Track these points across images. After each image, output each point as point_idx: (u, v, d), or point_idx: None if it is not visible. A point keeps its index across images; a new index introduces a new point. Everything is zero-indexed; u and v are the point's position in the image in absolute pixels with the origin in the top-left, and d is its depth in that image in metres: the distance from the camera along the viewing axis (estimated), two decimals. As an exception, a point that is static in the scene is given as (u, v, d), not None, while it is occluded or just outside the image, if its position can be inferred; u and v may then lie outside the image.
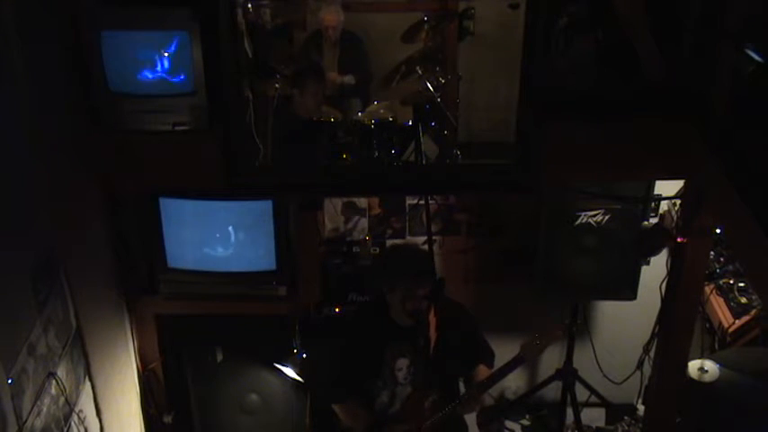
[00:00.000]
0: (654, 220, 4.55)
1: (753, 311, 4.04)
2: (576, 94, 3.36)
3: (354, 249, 4.89)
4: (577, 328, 4.67)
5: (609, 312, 4.92)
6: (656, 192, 4.31)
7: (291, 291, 3.98)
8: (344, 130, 4.33)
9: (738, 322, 4.04)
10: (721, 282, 4.25)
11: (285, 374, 4.20)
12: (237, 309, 4.02)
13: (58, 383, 2.88)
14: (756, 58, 2.72)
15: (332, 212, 4.89)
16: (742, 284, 4.18)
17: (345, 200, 4.83)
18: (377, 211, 4.91)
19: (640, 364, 4.77)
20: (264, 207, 3.77)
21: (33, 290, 2.76)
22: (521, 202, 4.59)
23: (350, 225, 4.91)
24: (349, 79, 5.41)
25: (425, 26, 5.17)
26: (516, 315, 4.78)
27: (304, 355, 4.17)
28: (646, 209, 4.41)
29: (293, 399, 4.32)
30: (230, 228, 3.87)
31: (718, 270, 4.29)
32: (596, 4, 3.58)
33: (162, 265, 3.89)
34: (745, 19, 2.91)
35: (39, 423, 2.70)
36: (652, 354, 4.51)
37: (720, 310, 4.17)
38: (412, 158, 4.42)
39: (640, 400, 5.06)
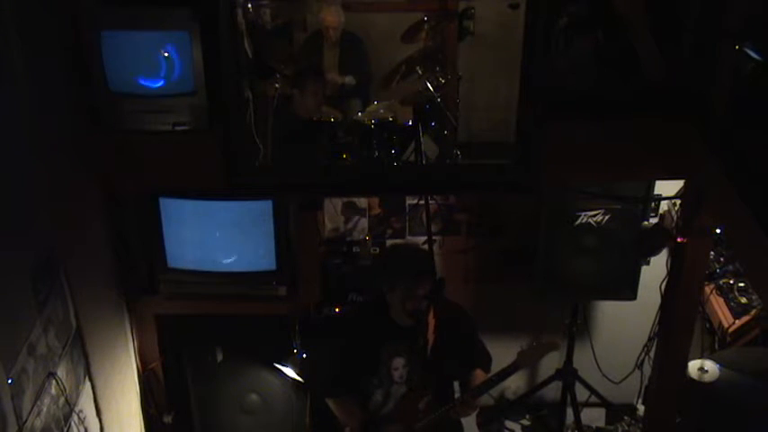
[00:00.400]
0: (654, 220, 4.55)
1: (753, 311, 4.04)
2: (576, 94, 3.36)
3: (354, 249, 4.89)
4: (577, 328, 4.67)
5: (609, 312, 4.92)
6: (656, 192, 4.32)
7: (291, 291, 3.99)
8: (344, 130, 4.33)
9: (738, 322, 4.04)
10: (721, 282, 4.25)
11: (285, 374, 4.20)
12: (237, 309, 4.02)
13: (58, 383, 2.88)
14: (756, 56, 2.72)
15: (332, 212, 4.88)
16: (742, 284, 4.18)
17: (345, 200, 4.83)
18: (377, 211, 4.91)
19: (640, 364, 4.78)
20: (264, 207, 3.77)
21: (33, 290, 2.76)
22: (521, 202, 4.59)
23: (350, 225, 4.91)
24: (349, 80, 5.40)
25: (425, 26, 5.17)
26: (516, 315, 4.78)
27: (304, 355, 4.17)
28: (646, 209, 4.41)
29: (293, 399, 4.32)
30: (230, 228, 3.87)
31: (718, 270, 4.29)
32: (596, 4, 3.58)
33: (162, 265, 3.89)
34: (744, 18, 2.91)
35: (39, 423, 2.70)
36: (652, 354, 4.52)
37: (720, 310, 4.17)
38: (412, 158, 4.41)
39: (640, 400, 5.06)
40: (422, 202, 4.75)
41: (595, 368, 4.89)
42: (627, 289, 4.32)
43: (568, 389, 4.79)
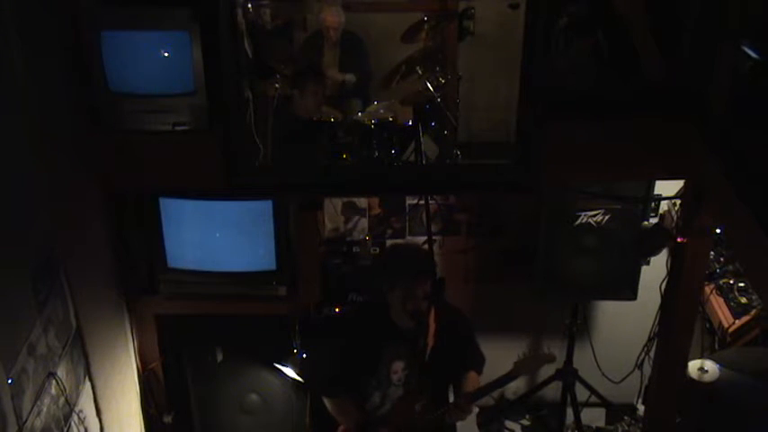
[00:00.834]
0: (654, 220, 4.55)
1: (753, 311, 4.05)
2: (576, 94, 3.36)
3: (354, 249, 4.89)
4: (577, 328, 4.67)
5: (609, 312, 4.92)
6: (656, 192, 4.32)
7: (291, 291, 3.99)
8: (344, 130, 4.32)
9: (738, 322, 4.04)
10: (721, 282, 4.26)
11: (285, 374, 4.20)
12: (237, 309, 4.03)
13: (58, 383, 2.88)
14: (754, 55, 2.72)
15: (332, 212, 4.88)
16: (742, 284, 4.18)
17: (345, 200, 4.82)
18: (377, 211, 4.91)
19: (640, 364, 4.78)
20: (264, 207, 3.77)
21: (33, 290, 2.76)
22: (521, 202, 4.60)
23: (350, 225, 4.91)
24: (350, 77, 5.40)
25: (425, 26, 5.16)
26: (516, 315, 4.78)
27: (304, 355, 4.17)
28: (646, 209, 4.41)
29: (293, 399, 4.32)
30: (230, 228, 3.87)
31: (718, 270, 4.29)
32: (596, 4, 3.58)
33: (162, 265, 3.89)
34: (743, 18, 2.91)
35: (39, 423, 2.70)
36: (652, 354, 4.52)
37: (720, 310, 4.17)
38: (412, 158, 4.41)
39: (640, 400, 5.06)
40: (422, 202, 4.75)
41: (595, 368, 4.89)
42: (627, 289, 4.32)
43: (568, 389, 4.79)
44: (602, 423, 5.14)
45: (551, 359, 3.50)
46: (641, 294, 4.33)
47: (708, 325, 4.33)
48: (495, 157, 4.47)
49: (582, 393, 4.85)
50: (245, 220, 3.86)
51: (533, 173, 3.46)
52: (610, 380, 4.91)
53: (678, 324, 3.85)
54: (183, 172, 3.48)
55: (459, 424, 3.62)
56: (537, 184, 3.55)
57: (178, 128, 3.35)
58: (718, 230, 3.87)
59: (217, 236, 3.88)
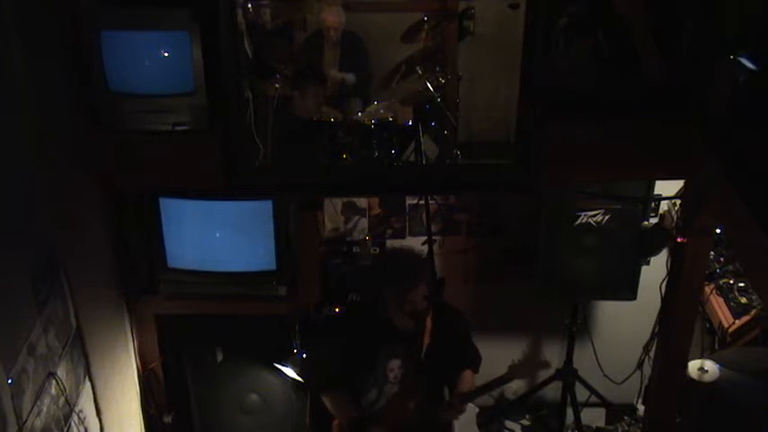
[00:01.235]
0: (654, 220, 4.55)
1: (753, 311, 4.05)
2: (576, 94, 3.36)
3: (354, 249, 4.89)
4: (577, 328, 4.67)
5: (609, 312, 4.92)
6: (656, 192, 4.32)
7: (291, 291, 3.99)
8: (344, 130, 4.32)
9: (738, 322, 4.04)
10: (721, 282, 4.26)
11: (285, 374, 4.20)
12: (237, 309, 4.02)
13: (58, 383, 2.88)
14: (751, 66, 2.72)
15: (332, 212, 4.88)
16: (742, 284, 4.18)
17: (345, 200, 4.82)
18: (377, 211, 4.91)
19: (640, 364, 4.78)
20: (264, 207, 3.77)
21: (33, 290, 2.76)
22: (521, 202, 4.59)
23: (350, 225, 4.91)
24: (350, 77, 5.40)
25: (425, 26, 5.16)
26: (516, 315, 4.78)
27: (304, 355, 4.17)
28: (646, 209, 4.41)
29: (293, 399, 4.32)
30: (230, 228, 3.87)
31: (718, 270, 4.29)
32: (596, 4, 3.58)
33: (162, 265, 3.89)
34: (740, 27, 2.91)
35: (39, 423, 2.70)
36: (652, 354, 4.52)
37: (720, 310, 4.17)
38: (412, 158, 4.41)
39: (640, 400, 5.06)
40: (422, 202, 4.75)
41: (595, 368, 4.90)
42: (627, 289, 4.32)
43: (568, 389, 4.79)
44: (602, 423, 5.14)
45: (546, 366, 3.54)
46: (641, 294, 4.33)
47: (708, 325, 4.33)
48: (495, 157, 4.47)
49: (582, 393, 4.86)
50: (245, 220, 3.86)
51: (533, 173, 3.46)
52: (610, 380, 4.91)
53: (678, 324, 3.85)
54: (183, 172, 3.48)
55: (457, 423, 3.63)
56: (537, 184, 3.55)
57: (178, 128, 3.34)
58: (718, 230, 3.87)
59: (217, 236, 3.88)
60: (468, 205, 4.85)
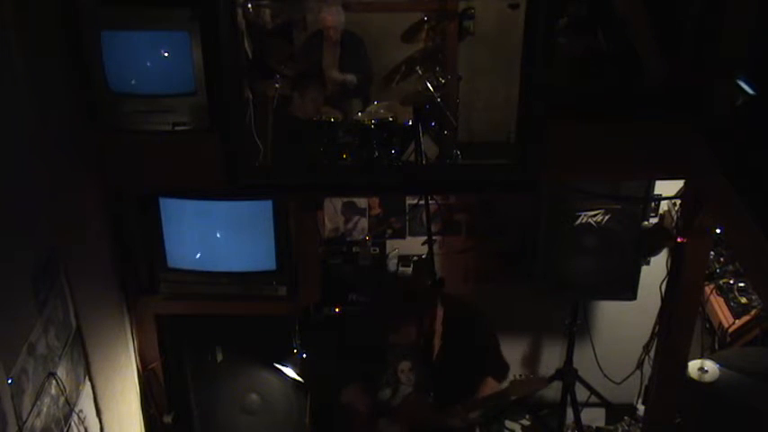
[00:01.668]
0: (654, 220, 4.55)
1: (753, 311, 4.05)
2: (576, 94, 3.36)
3: (354, 249, 4.89)
4: (577, 328, 4.67)
5: (609, 312, 4.93)
6: (656, 192, 4.31)
7: (291, 291, 3.98)
8: (344, 130, 4.32)
9: (738, 322, 4.04)
10: (721, 282, 4.26)
11: (285, 374, 4.20)
12: (237, 309, 4.02)
13: (58, 383, 2.88)
14: (748, 90, 2.73)
15: (332, 212, 4.89)
16: (742, 284, 4.18)
17: (345, 200, 4.83)
18: (377, 211, 4.91)
19: (640, 364, 4.78)
20: (264, 207, 3.77)
21: (33, 290, 2.76)
22: (521, 202, 4.59)
23: (350, 225, 4.91)
24: (350, 78, 5.40)
25: (425, 26, 5.17)
26: (516, 315, 4.78)
27: (304, 355, 4.17)
28: (646, 209, 4.41)
29: (293, 399, 4.32)
30: (230, 228, 3.87)
31: (718, 270, 4.29)
32: (596, 4, 3.58)
33: (162, 265, 3.89)
34: (739, 50, 2.92)
35: (39, 423, 2.70)
36: (652, 354, 4.52)
37: (720, 310, 4.17)
38: (412, 158, 4.41)
39: (640, 400, 5.06)
40: (422, 202, 4.75)
41: (595, 368, 4.90)
42: (627, 289, 4.32)
43: (568, 389, 4.79)
44: (602, 423, 5.14)
45: (542, 384, 3.53)
46: (641, 294, 4.33)
47: (708, 325, 4.33)
48: (495, 157, 4.47)
49: (582, 393, 4.86)
50: (245, 220, 3.86)
51: (533, 173, 3.46)
52: (610, 380, 4.91)
53: (678, 324, 3.85)
54: (183, 172, 3.48)
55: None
56: (537, 184, 3.55)
57: (178, 128, 3.34)
58: (718, 230, 3.87)
59: (217, 236, 3.88)
60: (468, 205, 4.85)
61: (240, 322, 4.14)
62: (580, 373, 4.81)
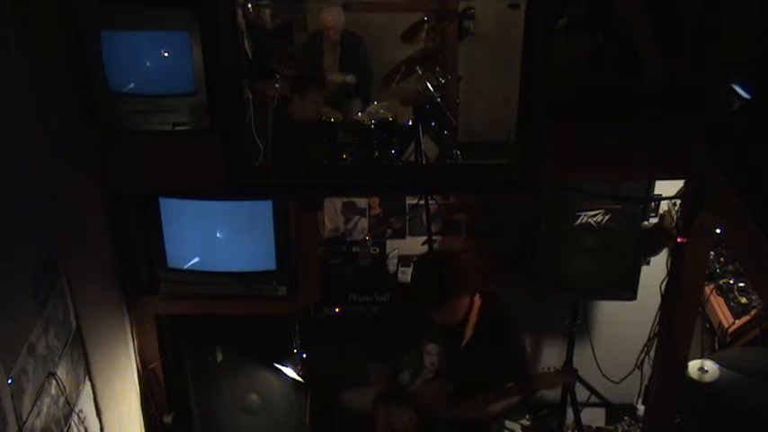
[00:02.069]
0: (654, 220, 4.55)
1: (753, 311, 4.05)
2: (576, 94, 3.36)
3: (354, 249, 4.89)
4: (577, 328, 4.67)
5: (609, 312, 4.92)
6: (656, 192, 4.31)
7: (291, 291, 3.98)
8: (344, 130, 4.33)
9: (738, 322, 4.04)
10: (721, 282, 4.26)
11: (285, 374, 4.20)
12: (237, 309, 4.02)
13: (58, 383, 2.88)
14: (744, 95, 2.73)
15: (332, 212, 4.89)
16: (742, 284, 4.18)
17: (345, 200, 4.83)
18: (377, 211, 4.91)
19: (640, 364, 4.78)
20: (264, 207, 3.77)
21: (33, 290, 2.76)
22: (521, 201, 4.59)
23: (350, 225, 4.91)
24: (350, 78, 5.41)
25: (425, 26, 5.17)
26: (514, 312, 4.77)
27: (304, 355, 4.17)
28: (646, 209, 4.40)
29: (293, 399, 4.32)
30: (230, 228, 3.87)
31: (718, 270, 4.29)
32: (596, 4, 3.58)
33: (162, 265, 3.89)
34: (737, 54, 2.92)
35: (39, 423, 2.70)
36: (652, 354, 4.51)
37: (720, 310, 4.17)
38: (412, 158, 4.41)
39: (640, 400, 5.06)
40: (422, 202, 4.75)
41: (595, 368, 4.89)
42: (627, 289, 4.31)
43: (568, 389, 4.79)
44: (602, 423, 5.14)
45: (571, 379, 3.50)
46: (641, 294, 4.32)
47: (708, 325, 4.33)
48: (495, 157, 4.48)
49: (582, 393, 4.85)
50: (245, 220, 3.86)
51: (533, 173, 3.46)
52: (610, 380, 4.91)
53: (678, 324, 3.85)
54: (183, 172, 3.48)
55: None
56: (537, 184, 3.55)
57: (178, 128, 3.35)
58: (718, 230, 3.87)
59: (217, 236, 3.88)
60: (468, 205, 4.85)
61: (240, 322, 4.14)
62: (580, 373, 4.80)
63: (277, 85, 4.88)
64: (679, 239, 3.73)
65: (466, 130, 5.35)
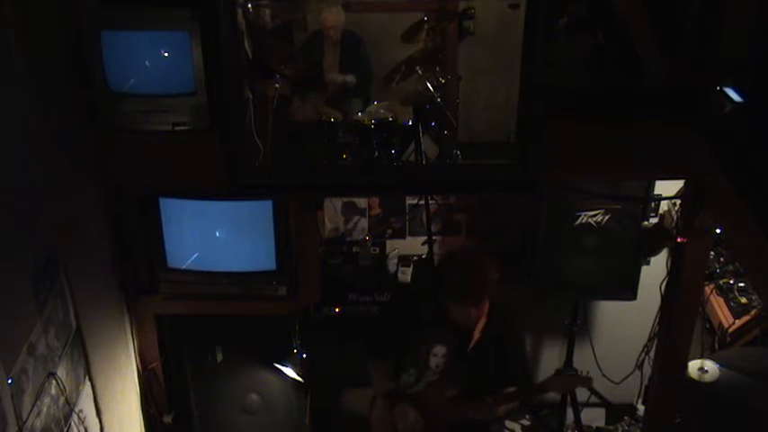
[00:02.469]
0: (654, 220, 4.55)
1: (753, 311, 4.05)
2: (576, 94, 3.36)
3: (354, 249, 4.89)
4: (577, 328, 4.67)
5: (609, 312, 4.92)
6: (656, 192, 4.31)
7: (291, 291, 3.98)
8: (344, 130, 4.33)
9: (738, 322, 4.04)
10: (721, 282, 4.26)
11: (285, 374, 4.20)
12: (237, 309, 4.02)
13: (58, 383, 2.88)
14: (736, 98, 2.73)
15: (332, 212, 4.89)
16: (742, 284, 4.18)
17: (345, 200, 4.83)
18: (377, 211, 4.91)
19: (640, 365, 4.78)
20: (264, 207, 3.77)
21: (33, 290, 2.76)
22: (521, 201, 4.59)
23: (350, 225, 4.91)
24: (350, 78, 5.41)
25: (425, 26, 5.17)
26: (516, 315, 4.77)
27: (304, 355, 4.17)
28: (646, 209, 4.41)
29: (293, 399, 4.32)
30: (230, 228, 3.87)
31: (718, 270, 4.29)
32: (596, 4, 3.58)
33: (162, 265, 3.89)
34: (738, 51, 2.92)
35: (39, 423, 2.70)
36: (652, 354, 4.52)
37: (720, 310, 4.17)
38: (412, 158, 4.41)
39: (640, 400, 5.06)
40: (422, 202, 4.75)
41: (595, 368, 4.89)
42: (627, 289, 4.31)
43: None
44: (602, 423, 5.14)
45: (588, 383, 3.51)
46: (641, 294, 4.32)
47: (708, 325, 4.33)
48: (495, 157, 4.48)
49: (582, 393, 4.85)
50: (245, 220, 3.86)
51: (533, 173, 3.46)
52: (610, 380, 4.91)
53: (678, 324, 3.85)
54: (183, 172, 3.48)
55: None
56: (537, 184, 3.55)
57: (178, 128, 3.35)
58: (718, 230, 3.87)
59: (217, 236, 3.88)
60: (468, 205, 4.85)
61: (240, 322, 4.14)
62: (580, 373, 4.80)
63: (277, 85, 4.88)
64: (679, 239, 3.73)
65: (466, 130, 5.35)
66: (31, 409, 2.64)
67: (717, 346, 4.23)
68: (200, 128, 3.35)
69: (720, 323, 4.12)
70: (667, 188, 4.28)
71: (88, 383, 3.26)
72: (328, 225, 4.89)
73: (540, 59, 3.27)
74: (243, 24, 4.83)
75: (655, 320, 4.40)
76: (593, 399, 4.93)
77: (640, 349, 4.70)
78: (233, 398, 4.33)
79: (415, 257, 4.94)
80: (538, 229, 4.25)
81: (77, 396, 3.12)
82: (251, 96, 4.72)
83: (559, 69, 3.41)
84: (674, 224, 4.30)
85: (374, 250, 4.90)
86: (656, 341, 4.37)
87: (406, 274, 4.87)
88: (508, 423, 5.15)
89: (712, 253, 4.22)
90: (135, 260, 3.87)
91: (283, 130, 4.84)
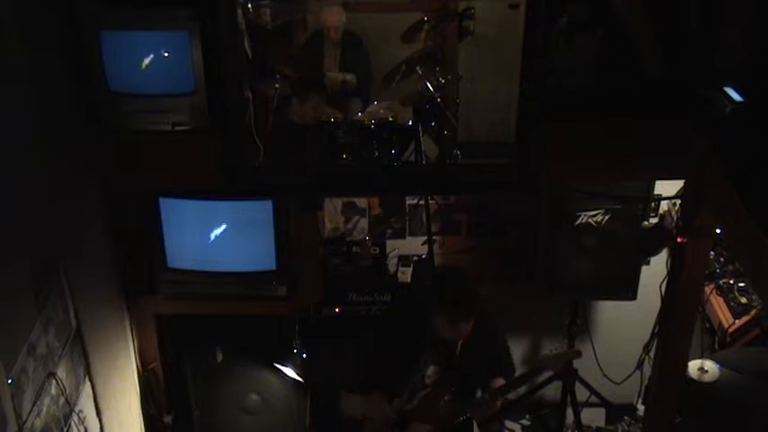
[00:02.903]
0: (654, 220, 4.55)
1: (753, 311, 4.05)
2: (576, 93, 3.36)
3: (354, 249, 4.89)
4: (577, 328, 4.67)
5: (609, 312, 4.93)
6: (656, 192, 4.32)
7: (291, 291, 3.98)
8: (344, 131, 4.33)
9: (738, 322, 4.04)
10: (721, 282, 4.26)
11: (285, 374, 4.20)
12: (237, 309, 4.02)
13: (58, 383, 2.88)
14: (737, 98, 2.73)
15: (332, 212, 4.89)
16: (742, 284, 4.18)
17: (345, 200, 4.83)
18: (377, 211, 4.91)
19: (640, 364, 4.78)
20: (264, 207, 3.77)
21: (33, 290, 2.76)
22: (521, 202, 4.60)
23: (350, 225, 4.91)
24: (351, 77, 5.41)
25: (425, 26, 5.17)
26: (516, 315, 4.78)
27: (304, 355, 4.17)
28: (646, 209, 4.41)
29: (293, 399, 4.32)
30: (230, 228, 3.87)
31: (718, 270, 4.29)
32: (596, 3, 3.57)
33: (162, 265, 3.89)
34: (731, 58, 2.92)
35: (39, 423, 2.70)
36: (652, 354, 4.52)
37: (720, 310, 4.17)
38: (412, 158, 4.41)
39: (640, 400, 5.06)
40: (422, 202, 4.75)
41: (595, 368, 4.90)
42: (627, 289, 4.32)
43: (568, 389, 4.79)
44: (602, 423, 5.14)
45: (577, 354, 3.53)
46: (641, 294, 4.33)
47: (708, 325, 4.33)
48: (495, 157, 4.48)
49: (582, 393, 4.85)
50: (245, 220, 3.86)
51: (533, 173, 3.46)
52: (610, 380, 4.91)
53: (678, 324, 3.85)
54: (183, 172, 3.48)
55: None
56: (537, 184, 3.55)
57: (178, 128, 3.34)
58: (718, 230, 3.87)
59: (217, 236, 3.88)
60: (468, 205, 4.85)
61: (240, 322, 4.14)
62: (580, 373, 4.79)
63: (277, 85, 4.88)
64: (679, 239, 3.73)
65: (466, 130, 5.34)
66: (31, 410, 2.64)
67: (717, 346, 4.23)
68: (201, 128, 3.35)
69: (720, 323, 4.13)
70: (667, 188, 4.28)
71: (88, 383, 3.26)
72: (328, 225, 4.89)
73: (540, 59, 3.27)
74: (243, 24, 4.83)
75: (655, 320, 4.40)
76: (593, 399, 4.93)
77: (640, 349, 4.71)
78: (233, 398, 4.32)
79: (415, 257, 4.94)
80: (538, 229, 4.26)
81: (77, 396, 3.12)
82: (251, 96, 4.72)
83: (559, 69, 3.40)
84: (673, 224, 4.30)
85: (374, 250, 4.90)
86: (656, 341, 4.37)
87: (406, 274, 4.87)
88: (508, 423, 5.15)
89: (712, 253, 4.22)
90: (135, 260, 3.87)
91: (283, 130, 4.84)
